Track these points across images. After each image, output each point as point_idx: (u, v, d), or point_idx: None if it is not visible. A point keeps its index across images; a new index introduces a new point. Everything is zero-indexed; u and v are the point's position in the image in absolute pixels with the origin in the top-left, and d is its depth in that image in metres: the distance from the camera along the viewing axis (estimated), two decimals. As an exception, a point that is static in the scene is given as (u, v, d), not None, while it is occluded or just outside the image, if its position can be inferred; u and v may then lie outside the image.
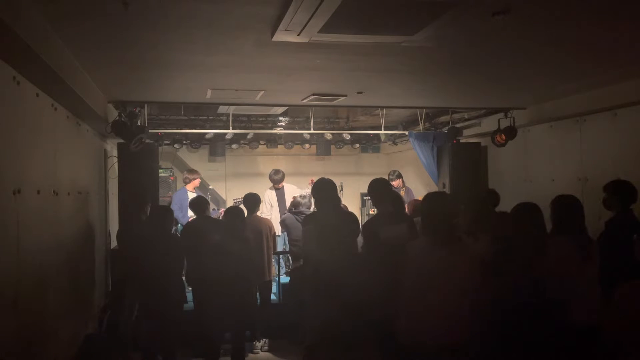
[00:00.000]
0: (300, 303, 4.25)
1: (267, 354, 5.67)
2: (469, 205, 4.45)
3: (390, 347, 3.22)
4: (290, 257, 6.44)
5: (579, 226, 3.41)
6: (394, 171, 8.17)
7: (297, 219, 5.65)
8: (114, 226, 6.86)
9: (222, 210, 7.90)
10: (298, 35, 3.36)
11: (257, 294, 5.78)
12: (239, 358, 4.82)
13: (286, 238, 6.21)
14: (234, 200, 7.69)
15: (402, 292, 3.17)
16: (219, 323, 4.62)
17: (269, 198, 7.62)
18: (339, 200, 4.68)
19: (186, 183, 7.68)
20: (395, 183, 7.88)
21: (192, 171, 7.82)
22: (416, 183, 9.19)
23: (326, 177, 4.28)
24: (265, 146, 10.09)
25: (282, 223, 6.06)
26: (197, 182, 7.71)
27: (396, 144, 9.81)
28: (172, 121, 8.27)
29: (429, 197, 3.47)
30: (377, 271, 3.60)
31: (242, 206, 5.57)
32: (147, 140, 6.54)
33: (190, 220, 6.38)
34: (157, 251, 4.58)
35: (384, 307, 3.33)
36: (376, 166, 10.75)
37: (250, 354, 5.58)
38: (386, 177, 6.79)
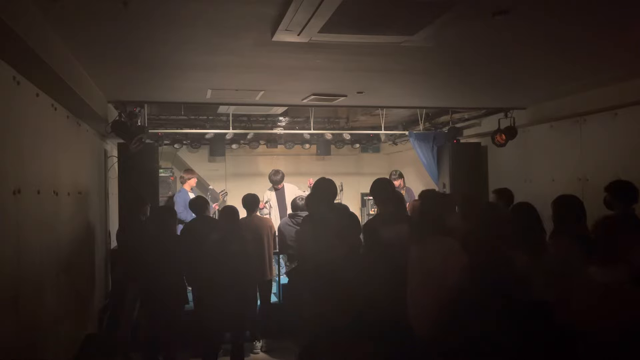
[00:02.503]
0: (298, 303, 4.24)
1: (267, 354, 5.67)
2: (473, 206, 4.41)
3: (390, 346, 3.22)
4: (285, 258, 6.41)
5: (581, 226, 3.41)
6: (396, 171, 8.17)
7: (291, 222, 5.62)
8: (114, 226, 6.86)
9: (215, 205, 7.94)
10: (298, 35, 3.36)
11: (258, 293, 5.78)
12: (238, 358, 4.82)
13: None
14: (220, 192, 7.72)
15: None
16: (218, 323, 4.62)
17: (268, 199, 7.61)
18: (338, 200, 4.68)
19: (182, 183, 7.73)
20: (397, 183, 7.88)
21: (189, 171, 7.88)
22: (416, 183, 9.18)
23: (326, 177, 4.27)
24: (265, 146, 10.10)
25: (278, 230, 5.97)
26: (192, 181, 7.82)
27: (396, 144, 9.81)
28: (172, 121, 8.26)
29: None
30: (377, 271, 3.60)
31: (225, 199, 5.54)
32: (147, 140, 6.55)
33: (190, 220, 6.39)
34: (158, 251, 4.58)
35: (383, 306, 3.33)
36: (376, 166, 10.75)
37: (250, 354, 5.58)
38: (387, 177, 6.78)
